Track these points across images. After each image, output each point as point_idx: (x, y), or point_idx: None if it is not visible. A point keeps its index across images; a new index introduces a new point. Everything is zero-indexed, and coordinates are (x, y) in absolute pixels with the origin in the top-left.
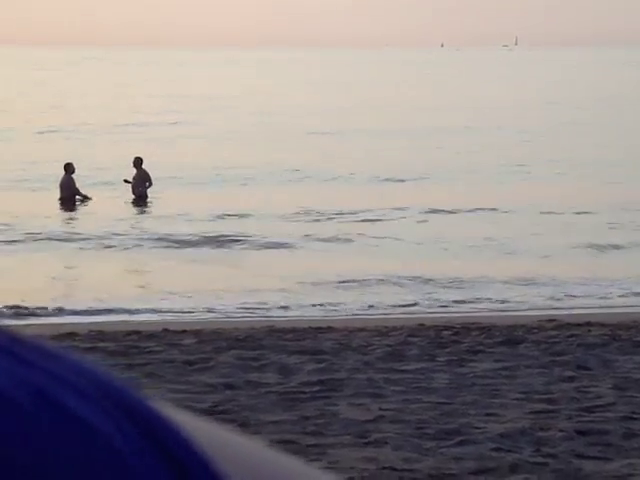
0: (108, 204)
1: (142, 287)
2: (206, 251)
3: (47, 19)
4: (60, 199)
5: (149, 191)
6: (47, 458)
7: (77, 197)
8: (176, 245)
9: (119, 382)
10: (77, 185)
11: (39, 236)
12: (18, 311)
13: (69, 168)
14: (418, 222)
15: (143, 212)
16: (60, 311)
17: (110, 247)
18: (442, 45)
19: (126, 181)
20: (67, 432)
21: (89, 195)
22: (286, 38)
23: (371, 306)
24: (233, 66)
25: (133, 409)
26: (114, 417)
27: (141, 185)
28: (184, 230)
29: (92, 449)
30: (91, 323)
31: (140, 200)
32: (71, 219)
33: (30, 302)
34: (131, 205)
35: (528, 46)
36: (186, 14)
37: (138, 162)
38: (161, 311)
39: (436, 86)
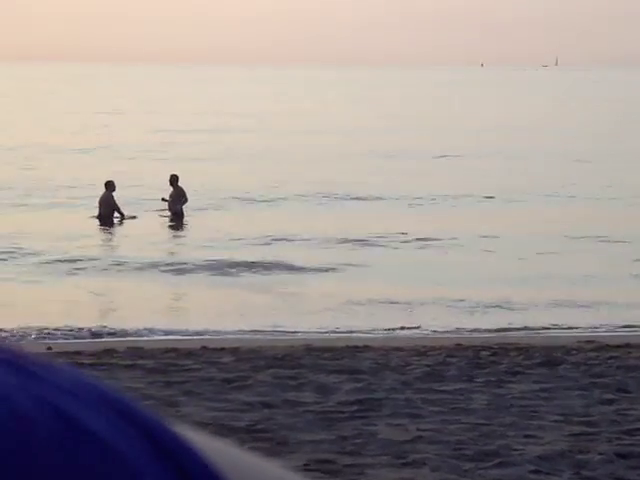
0: (146, 222)
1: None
2: (247, 278)
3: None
4: (98, 216)
5: (185, 207)
6: (71, 476)
7: (116, 215)
8: (218, 271)
9: (121, 395)
10: (118, 203)
11: (81, 261)
12: (66, 332)
13: (109, 186)
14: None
15: (180, 232)
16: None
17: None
18: (482, 65)
19: (164, 199)
20: (86, 451)
21: (131, 214)
22: (316, 55)
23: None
24: (270, 84)
25: (137, 420)
26: (123, 430)
27: (178, 202)
28: (226, 254)
29: (109, 465)
30: (130, 340)
31: (177, 218)
32: (110, 240)
33: (76, 322)
34: (168, 223)
35: (568, 66)
36: (203, 32)
37: (174, 179)
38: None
39: (504, 105)
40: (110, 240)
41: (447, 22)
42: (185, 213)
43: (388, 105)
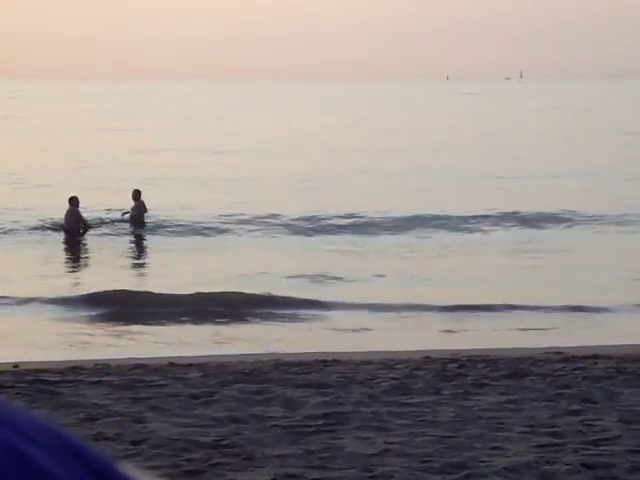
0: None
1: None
2: None
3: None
4: (65, 230)
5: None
6: None
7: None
8: None
9: (69, 433)
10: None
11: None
12: None
13: (73, 201)
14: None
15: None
16: None
17: None
18: (447, 78)
19: (124, 214)
20: None
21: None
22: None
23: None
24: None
25: (87, 460)
26: (71, 466)
27: (140, 216)
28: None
29: None
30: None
31: (139, 227)
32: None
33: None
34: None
35: (533, 79)
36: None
37: (137, 195)
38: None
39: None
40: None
41: (416, 35)
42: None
43: (333, 117)
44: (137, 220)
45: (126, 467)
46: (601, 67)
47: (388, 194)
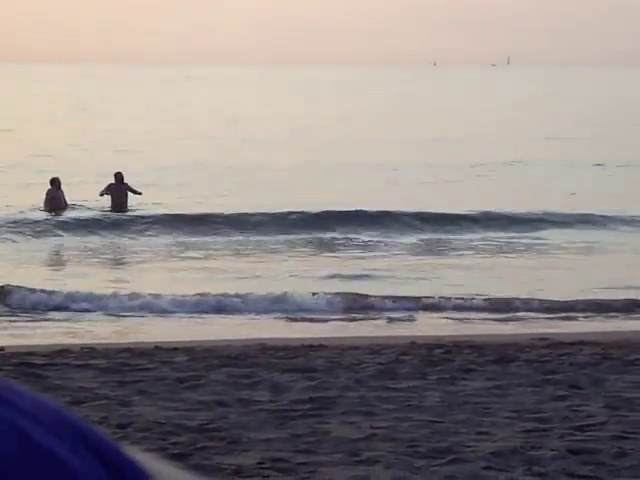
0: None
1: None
2: None
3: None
4: (49, 210)
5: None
6: None
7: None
8: None
9: (74, 416)
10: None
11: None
12: None
13: (55, 182)
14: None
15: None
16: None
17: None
18: (435, 64)
19: (102, 194)
20: (43, 467)
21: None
22: (309, 55)
23: None
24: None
25: (88, 439)
26: (77, 448)
27: (123, 197)
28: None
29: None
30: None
31: (121, 210)
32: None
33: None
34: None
35: (521, 65)
36: (200, 32)
37: (119, 177)
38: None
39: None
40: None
41: (401, 21)
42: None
43: (332, 104)
44: (116, 205)
45: (130, 449)
46: (600, 55)
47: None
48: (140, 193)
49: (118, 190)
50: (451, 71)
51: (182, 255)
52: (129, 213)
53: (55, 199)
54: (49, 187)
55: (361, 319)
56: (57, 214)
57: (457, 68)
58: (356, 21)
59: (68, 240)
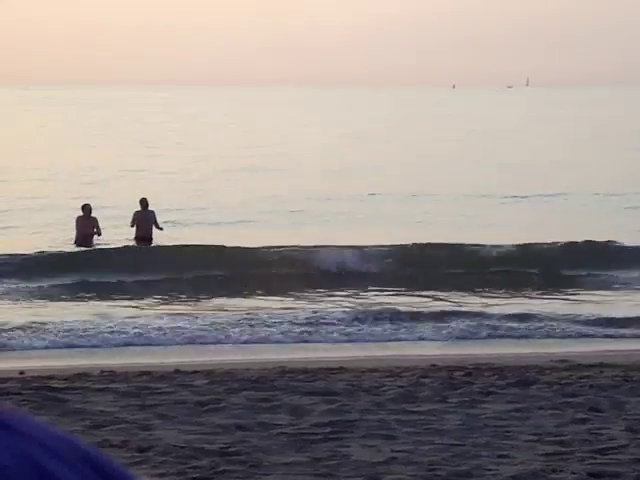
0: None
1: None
2: None
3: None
4: (75, 240)
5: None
6: None
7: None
8: None
9: (86, 445)
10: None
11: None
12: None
13: (86, 209)
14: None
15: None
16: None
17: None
18: (454, 86)
19: (132, 224)
20: None
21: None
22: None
23: None
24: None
25: (101, 468)
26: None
27: (148, 226)
28: None
29: None
30: (102, 364)
31: (145, 242)
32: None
33: None
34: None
35: (540, 86)
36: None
37: (144, 203)
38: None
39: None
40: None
41: (421, 42)
42: (154, 237)
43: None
44: (142, 235)
45: (145, 477)
46: (616, 75)
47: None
48: (161, 229)
49: (143, 218)
50: (470, 93)
51: None
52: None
53: (83, 226)
54: (80, 214)
55: None
56: (86, 241)
57: (475, 89)
58: (381, 44)
59: None
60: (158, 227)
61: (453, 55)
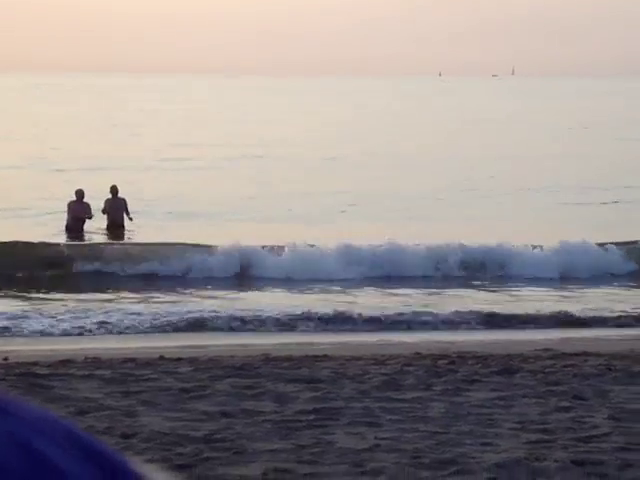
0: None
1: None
2: None
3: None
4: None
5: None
6: None
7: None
8: None
9: (73, 426)
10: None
11: None
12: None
13: (78, 194)
14: None
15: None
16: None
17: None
18: (440, 74)
19: (104, 212)
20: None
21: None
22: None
23: None
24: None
25: (87, 447)
26: (83, 463)
27: (119, 212)
28: None
29: None
30: (87, 350)
31: (117, 228)
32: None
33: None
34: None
35: (525, 76)
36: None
37: (114, 190)
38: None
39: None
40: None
41: (406, 31)
42: (126, 225)
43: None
44: (113, 223)
45: (138, 464)
46: (608, 65)
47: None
48: (131, 218)
49: (114, 205)
50: (458, 82)
51: None
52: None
53: (75, 211)
54: (73, 199)
55: None
56: (77, 226)
57: (462, 79)
58: (368, 33)
59: None
60: (128, 216)
61: (439, 44)
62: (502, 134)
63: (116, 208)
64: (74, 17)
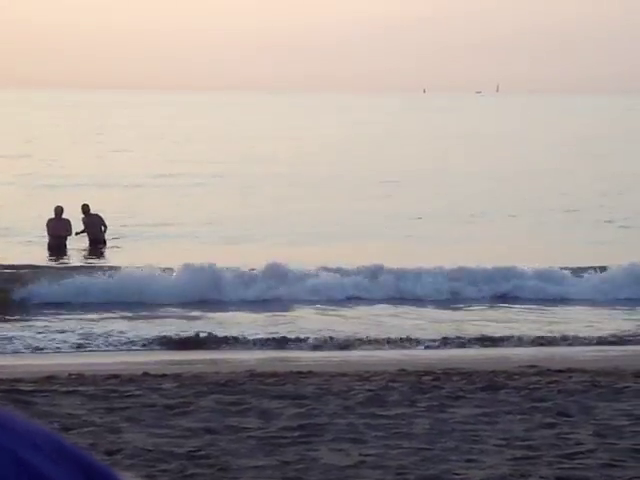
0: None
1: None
2: None
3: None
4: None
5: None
6: None
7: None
8: None
9: (68, 442)
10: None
11: None
12: None
13: (57, 211)
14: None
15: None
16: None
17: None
18: (424, 91)
19: (77, 233)
20: None
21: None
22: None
23: None
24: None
25: (84, 466)
26: (68, 471)
27: (98, 230)
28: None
29: None
30: (70, 366)
31: (98, 245)
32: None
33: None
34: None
35: (510, 93)
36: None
37: (86, 209)
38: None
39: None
40: None
41: (391, 47)
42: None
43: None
44: (94, 239)
45: (125, 476)
46: (592, 83)
47: None
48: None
49: (90, 223)
50: (441, 98)
51: None
52: None
53: (55, 229)
54: (51, 216)
55: None
56: (59, 245)
57: (446, 95)
58: (352, 49)
59: None
60: (105, 230)
61: (424, 60)
62: (487, 152)
63: (92, 225)
64: (77, 35)
